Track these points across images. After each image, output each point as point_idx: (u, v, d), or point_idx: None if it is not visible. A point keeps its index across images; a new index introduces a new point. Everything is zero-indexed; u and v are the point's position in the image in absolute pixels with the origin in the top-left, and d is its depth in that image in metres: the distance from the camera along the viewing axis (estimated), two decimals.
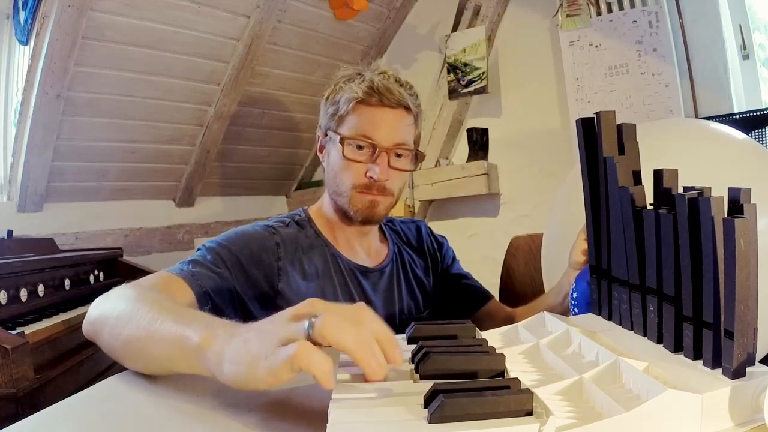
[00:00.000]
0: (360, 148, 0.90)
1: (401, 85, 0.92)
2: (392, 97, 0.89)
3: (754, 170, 0.76)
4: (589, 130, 0.61)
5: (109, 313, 0.62)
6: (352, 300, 0.92)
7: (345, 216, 0.94)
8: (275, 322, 0.45)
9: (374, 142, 0.89)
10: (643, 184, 0.55)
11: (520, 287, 1.39)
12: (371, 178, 0.90)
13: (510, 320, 0.98)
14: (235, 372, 0.43)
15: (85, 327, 0.66)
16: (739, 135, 0.85)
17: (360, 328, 0.42)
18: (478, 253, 2.59)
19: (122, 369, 0.61)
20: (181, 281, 0.76)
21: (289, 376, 0.40)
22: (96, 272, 1.87)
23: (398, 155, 0.92)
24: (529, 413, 0.36)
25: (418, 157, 0.96)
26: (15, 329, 1.22)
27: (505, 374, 0.43)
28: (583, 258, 0.79)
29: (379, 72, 0.93)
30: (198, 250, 0.85)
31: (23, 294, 1.42)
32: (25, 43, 2.03)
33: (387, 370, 0.43)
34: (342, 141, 0.90)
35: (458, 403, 0.35)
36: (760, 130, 1.81)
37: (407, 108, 0.92)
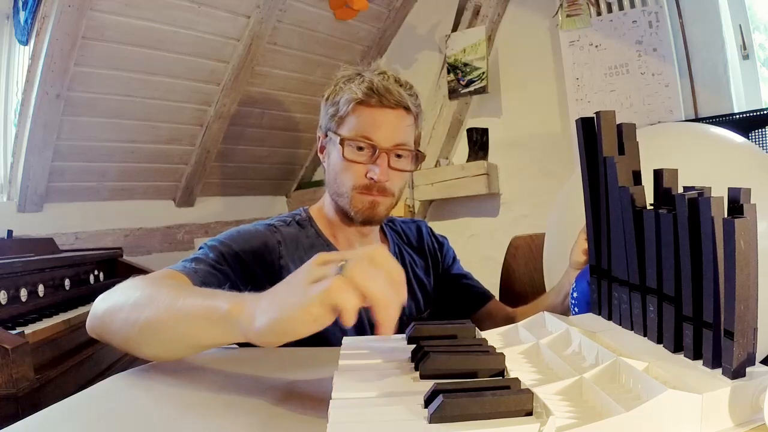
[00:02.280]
0: (360, 149, 0.90)
1: (401, 86, 0.92)
2: (392, 98, 0.89)
3: (753, 174, 0.76)
4: (589, 130, 0.61)
5: (123, 303, 0.62)
6: None
7: (346, 216, 0.94)
8: (303, 270, 0.48)
9: (374, 143, 0.89)
10: (643, 184, 0.55)
11: (520, 287, 1.39)
12: (371, 179, 0.90)
13: (510, 320, 0.98)
14: (270, 318, 0.45)
15: (91, 323, 0.66)
16: (738, 139, 0.85)
17: (385, 278, 0.45)
18: (478, 253, 2.59)
19: (123, 368, 0.61)
20: (183, 277, 0.76)
21: (322, 311, 0.43)
22: (96, 272, 1.87)
23: (398, 156, 0.92)
24: (529, 413, 0.36)
25: (418, 158, 0.96)
26: (15, 329, 1.22)
27: (505, 374, 0.43)
28: (584, 258, 0.79)
29: (379, 72, 0.93)
30: (200, 248, 0.86)
31: (23, 294, 1.42)
32: (25, 43, 2.03)
33: (395, 321, 0.45)
34: (342, 142, 0.90)
35: (458, 403, 0.35)
36: (759, 131, 1.81)
37: (407, 108, 0.92)
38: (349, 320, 0.42)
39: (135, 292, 0.62)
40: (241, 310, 0.49)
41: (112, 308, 0.63)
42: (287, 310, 0.44)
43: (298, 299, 0.44)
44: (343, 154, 0.90)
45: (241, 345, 0.66)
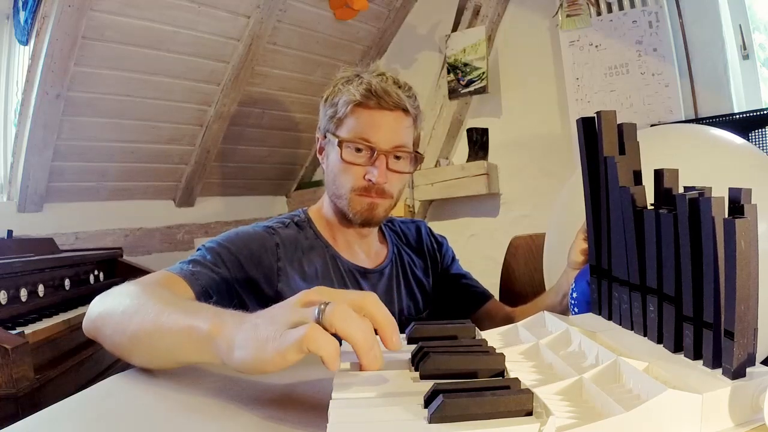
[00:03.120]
0: (358, 150, 0.90)
1: (399, 87, 0.92)
2: (390, 100, 0.89)
3: (753, 175, 0.76)
4: (589, 129, 0.60)
5: (113, 309, 0.62)
6: None
7: (344, 218, 0.94)
8: (285, 308, 0.46)
9: (372, 145, 0.89)
10: (643, 184, 0.55)
11: (520, 287, 1.39)
12: (370, 180, 0.89)
13: (509, 320, 0.98)
14: (246, 356, 0.44)
15: (86, 325, 0.66)
16: (737, 140, 0.85)
17: (365, 321, 0.44)
18: (478, 253, 2.59)
19: (122, 369, 0.61)
20: (181, 280, 0.76)
21: (297, 357, 0.42)
22: (96, 272, 1.87)
23: (397, 157, 0.92)
24: (529, 413, 0.36)
25: (417, 159, 0.96)
26: (15, 329, 1.22)
27: (505, 374, 0.43)
28: (582, 258, 0.79)
29: (378, 74, 0.92)
30: (198, 250, 0.86)
31: (23, 294, 1.42)
32: (25, 43, 2.03)
33: (382, 363, 0.45)
34: (340, 144, 0.90)
35: (458, 403, 0.35)
36: (759, 131, 1.81)
37: (405, 110, 0.92)
38: (332, 365, 0.41)
39: (126, 300, 0.62)
40: (219, 332, 0.48)
41: (105, 314, 0.63)
42: (262, 352, 0.43)
43: (274, 344, 0.42)
44: (341, 156, 0.90)
45: None
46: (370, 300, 0.46)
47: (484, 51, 2.53)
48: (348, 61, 2.71)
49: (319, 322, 0.42)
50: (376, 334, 0.45)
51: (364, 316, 0.45)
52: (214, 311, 0.52)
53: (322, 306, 0.43)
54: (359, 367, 0.45)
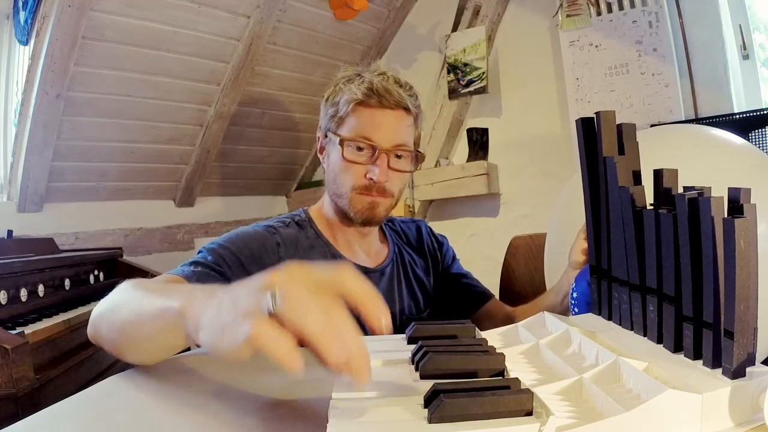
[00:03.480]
0: (360, 149, 0.90)
1: (401, 86, 0.92)
2: (391, 98, 0.89)
3: (752, 176, 0.76)
4: (589, 130, 0.61)
5: (107, 308, 0.63)
6: None
7: (345, 217, 0.94)
8: (248, 288, 0.41)
9: (374, 144, 0.89)
10: (642, 184, 0.55)
11: (520, 287, 1.39)
12: (371, 179, 0.89)
13: (510, 319, 0.98)
14: (207, 341, 0.43)
15: (89, 330, 0.66)
16: (737, 140, 0.85)
17: (330, 306, 0.38)
18: (478, 253, 2.59)
19: (122, 369, 0.61)
20: (182, 281, 0.76)
21: (250, 353, 0.38)
22: (96, 272, 1.87)
23: (398, 156, 0.92)
24: (529, 413, 0.36)
25: (418, 158, 0.96)
26: (15, 329, 1.22)
27: (505, 374, 0.43)
28: (583, 257, 0.79)
29: (379, 73, 0.93)
30: (199, 252, 0.86)
31: (23, 294, 1.42)
32: (25, 43, 2.03)
33: (367, 361, 0.38)
34: (341, 142, 0.90)
35: (458, 403, 0.35)
36: (759, 131, 1.81)
37: (407, 109, 0.92)
38: (287, 365, 0.35)
39: (119, 296, 0.62)
40: (188, 310, 0.46)
41: (101, 314, 0.63)
42: (220, 341, 0.40)
43: (229, 336, 0.39)
44: (342, 155, 0.90)
45: None
46: (346, 274, 0.40)
47: (484, 51, 2.53)
48: (348, 61, 2.71)
49: (272, 313, 0.37)
50: (359, 321, 0.39)
51: (338, 295, 0.39)
52: (190, 288, 0.52)
53: (273, 292, 0.37)
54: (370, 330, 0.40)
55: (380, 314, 0.40)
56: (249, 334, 0.36)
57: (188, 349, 0.64)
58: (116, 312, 0.59)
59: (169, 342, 0.54)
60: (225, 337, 0.39)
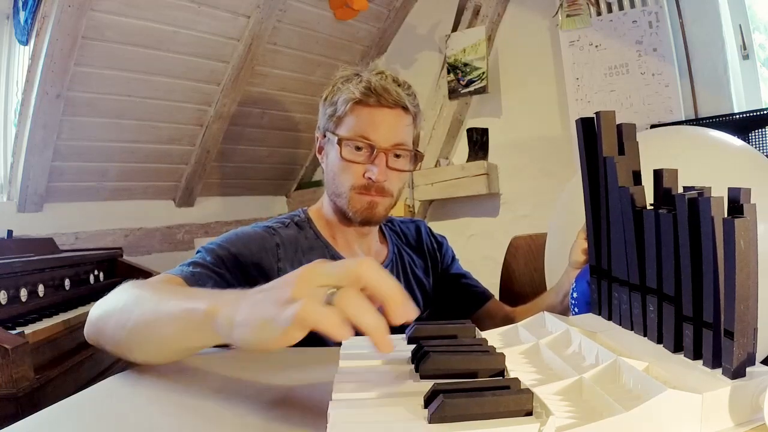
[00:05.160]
0: (358, 149, 0.90)
1: (399, 85, 0.92)
2: (390, 98, 0.89)
3: (752, 177, 0.76)
4: (589, 130, 0.60)
5: (113, 308, 0.62)
6: None
7: (344, 217, 0.94)
8: (285, 284, 0.44)
9: (372, 143, 0.89)
10: (642, 184, 0.55)
11: (520, 287, 1.39)
12: (369, 179, 0.89)
13: (510, 319, 0.98)
14: (247, 334, 0.44)
15: (88, 330, 0.66)
16: (737, 142, 0.85)
17: (371, 307, 0.42)
18: (478, 253, 2.59)
19: (122, 369, 0.61)
20: (181, 281, 0.76)
21: (300, 334, 0.41)
22: (96, 272, 1.87)
23: (397, 156, 0.92)
24: (529, 413, 0.36)
25: (417, 158, 0.96)
26: (15, 329, 1.22)
27: (505, 374, 0.43)
28: (583, 257, 0.79)
29: (377, 72, 0.92)
30: (198, 252, 0.85)
31: (23, 294, 1.42)
32: (25, 43, 2.03)
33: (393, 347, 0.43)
34: (340, 142, 0.90)
35: (458, 403, 0.35)
36: (759, 131, 1.81)
37: (405, 108, 0.91)
38: (339, 336, 0.40)
39: (125, 296, 0.62)
40: (219, 311, 0.47)
41: (105, 314, 0.63)
42: (263, 331, 0.42)
43: (274, 323, 0.41)
44: (341, 154, 0.90)
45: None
46: (368, 269, 0.43)
47: (484, 51, 2.53)
48: (348, 61, 2.71)
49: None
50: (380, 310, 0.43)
51: (364, 289, 0.43)
52: (211, 292, 0.52)
53: (329, 292, 0.42)
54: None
55: (399, 312, 0.43)
56: (298, 312, 0.39)
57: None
58: (127, 312, 0.59)
59: (191, 343, 0.54)
60: (267, 327, 0.42)
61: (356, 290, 0.42)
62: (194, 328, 0.51)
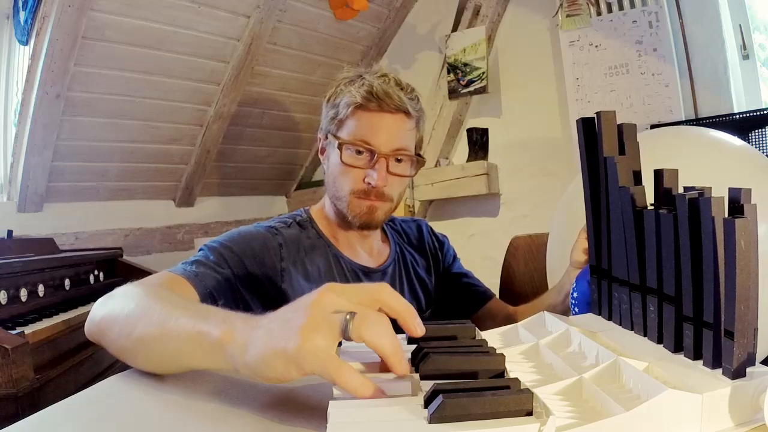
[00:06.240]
0: (359, 153, 0.89)
1: (401, 89, 0.91)
2: (392, 102, 0.88)
3: (753, 177, 0.76)
4: (589, 130, 0.61)
5: (117, 312, 0.61)
6: None
7: (344, 220, 0.94)
8: (300, 311, 0.44)
9: (373, 148, 0.89)
10: (643, 184, 0.55)
11: (520, 287, 1.39)
12: (369, 184, 0.89)
13: (511, 319, 0.98)
14: (260, 364, 0.43)
15: (89, 328, 0.65)
16: (736, 142, 0.85)
17: (388, 325, 0.43)
18: (478, 253, 2.59)
19: (122, 369, 0.61)
20: (185, 281, 0.75)
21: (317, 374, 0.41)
22: (96, 272, 1.87)
23: (398, 160, 0.91)
24: (529, 413, 0.36)
25: (418, 162, 0.95)
26: (15, 329, 1.22)
27: (505, 374, 0.43)
28: (584, 257, 0.79)
29: (380, 75, 0.91)
30: (200, 250, 0.85)
31: (23, 294, 1.42)
32: (25, 43, 2.03)
33: (407, 368, 0.44)
34: (340, 146, 0.89)
35: (458, 403, 0.35)
36: (759, 131, 1.81)
37: (407, 113, 0.91)
38: (362, 394, 0.40)
39: (130, 303, 0.61)
40: (231, 338, 0.46)
41: (109, 317, 0.62)
42: (279, 361, 0.42)
43: (292, 358, 0.41)
44: (341, 158, 0.89)
45: None
46: (386, 292, 0.46)
47: (484, 51, 2.53)
48: (348, 61, 2.71)
49: (345, 334, 0.42)
50: (396, 327, 0.44)
51: (381, 310, 0.44)
52: (223, 315, 0.51)
53: (348, 317, 0.42)
54: (382, 369, 0.45)
55: (417, 326, 0.46)
56: (328, 367, 0.40)
57: None
58: (133, 321, 0.58)
59: (198, 365, 0.53)
60: (281, 360, 0.42)
61: (374, 312, 0.43)
62: (204, 352, 0.49)
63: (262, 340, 0.43)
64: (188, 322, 0.52)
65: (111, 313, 0.62)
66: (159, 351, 0.56)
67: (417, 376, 0.45)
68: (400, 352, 0.43)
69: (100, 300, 0.66)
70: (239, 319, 0.49)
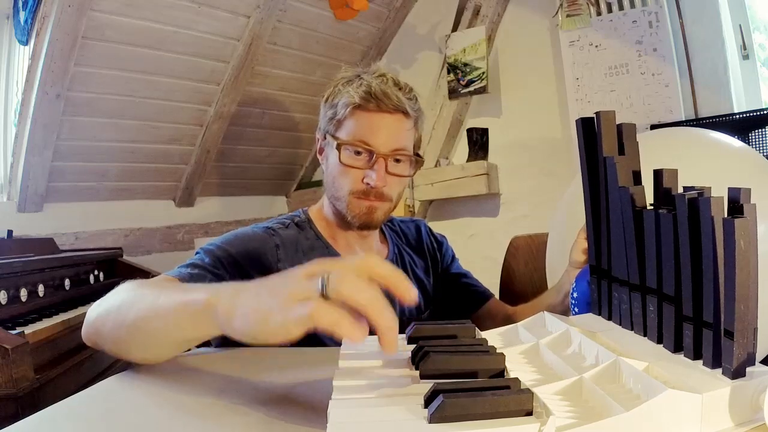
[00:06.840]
0: (357, 153, 0.89)
1: (400, 89, 0.91)
2: (390, 103, 0.88)
3: (752, 178, 0.76)
4: (589, 130, 0.61)
5: (111, 307, 0.63)
6: None
7: (343, 220, 0.94)
8: (288, 278, 0.46)
9: (371, 148, 0.88)
10: (643, 184, 0.55)
11: (520, 287, 1.39)
12: (368, 184, 0.89)
13: (510, 319, 0.98)
14: (246, 325, 0.44)
15: (86, 330, 0.66)
16: (736, 143, 0.85)
17: (372, 284, 0.43)
18: (478, 253, 2.59)
19: (122, 369, 0.61)
20: (178, 282, 0.76)
21: (301, 332, 0.41)
22: (96, 272, 1.87)
23: (397, 160, 0.91)
24: (529, 413, 0.36)
25: (417, 162, 0.95)
26: (15, 329, 1.22)
27: (505, 374, 0.43)
28: (584, 257, 0.79)
29: (378, 75, 0.91)
30: (196, 253, 0.85)
31: (23, 294, 1.42)
32: (25, 43, 2.03)
33: (397, 326, 0.43)
34: (339, 146, 0.89)
35: (458, 403, 0.35)
36: (759, 131, 1.81)
37: (405, 113, 0.90)
38: (354, 336, 0.40)
39: (122, 295, 0.63)
40: (218, 301, 0.48)
41: (104, 313, 0.63)
42: (265, 324, 0.43)
43: (279, 317, 0.42)
44: (340, 159, 0.89)
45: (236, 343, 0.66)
46: (372, 261, 0.45)
47: (484, 51, 2.53)
48: (348, 61, 2.71)
49: (324, 293, 0.42)
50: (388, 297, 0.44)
51: (371, 279, 0.44)
52: (211, 285, 0.53)
53: (325, 276, 0.42)
54: (378, 337, 0.43)
55: (408, 289, 0.45)
56: (310, 313, 0.40)
57: (189, 349, 0.64)
58: (125, 309, 0.59)
59: (187, 334, 0.54)
60: (272, 319, 0.42)
61: (351, 272, 0.43)
62: (193, 318, 0.51)
63: (250, 300, 0.45)
64: (177, 296, 0.54)
65: (105, 309, 0.64)
66: (151, 331, 0.57)
67: (406, 343, 0.45)
68: (379, 303, 0.42)
69: (94, 304, 0.67)
70: (226, 285, 0.51)
